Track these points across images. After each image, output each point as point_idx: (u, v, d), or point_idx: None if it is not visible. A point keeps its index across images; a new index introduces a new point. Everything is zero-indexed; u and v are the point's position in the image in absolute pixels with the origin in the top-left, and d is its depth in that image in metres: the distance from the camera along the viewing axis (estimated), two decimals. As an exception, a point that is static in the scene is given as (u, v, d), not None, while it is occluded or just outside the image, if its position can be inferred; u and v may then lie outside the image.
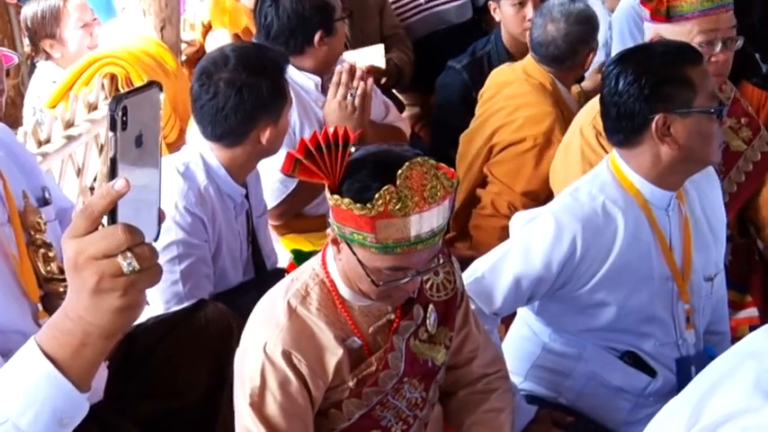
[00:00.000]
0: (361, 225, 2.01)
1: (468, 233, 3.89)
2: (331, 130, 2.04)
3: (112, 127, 1.17)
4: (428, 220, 2.02)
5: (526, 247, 2.60)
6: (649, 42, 3.05)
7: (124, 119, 1.17)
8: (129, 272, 1.19)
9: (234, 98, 2.85)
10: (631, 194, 2.60)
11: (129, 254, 1.18)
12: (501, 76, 3.98)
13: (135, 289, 1.21)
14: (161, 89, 1.24)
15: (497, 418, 2.42)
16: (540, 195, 3.73)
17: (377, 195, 1.95)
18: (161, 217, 1.26)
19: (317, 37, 3.58)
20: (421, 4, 4.96)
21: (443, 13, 4.90)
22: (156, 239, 1.24)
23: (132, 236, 1.19)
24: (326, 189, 2.05)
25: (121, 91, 3.61)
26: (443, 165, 2.05)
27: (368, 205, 1.96)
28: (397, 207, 1.97)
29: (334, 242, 2.14)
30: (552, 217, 2.58)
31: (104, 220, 1.20)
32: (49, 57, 4.13)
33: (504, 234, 3.54)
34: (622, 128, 2.59)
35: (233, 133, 2.89)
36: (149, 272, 1.21)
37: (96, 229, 1.20)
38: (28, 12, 4.15)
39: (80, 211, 1.21)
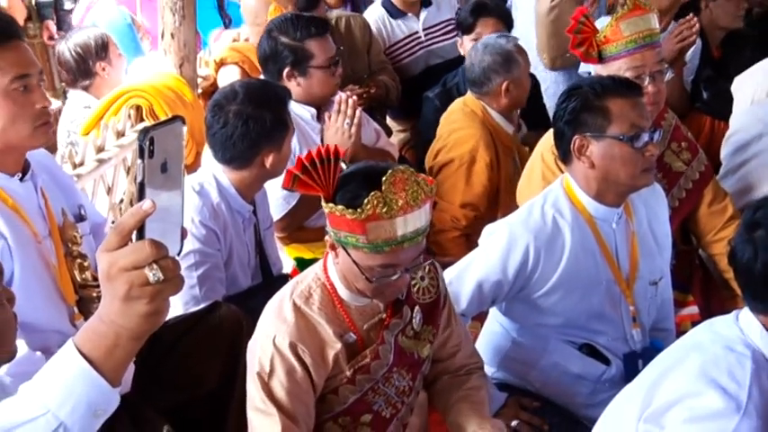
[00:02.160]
0: (354, 228, 2.03)
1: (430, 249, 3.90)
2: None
3: (141, 155, 1.18)
4: (412, 222, 2.05)
5: (486, 255, 2.63)
6: (593, 75, 3.10)
7: (151, 148, 1.18)
8: (155, 282, 1.19)
9: (241, 128, 2.86)
10: (578, 210, 2.63)
11: (155, 266, 1.19)
12: (450, 108, 4.01)
13: (160, 297, 1.22)
14: (184, 122, 1.25)
15: (478, 394, 2.44)
16: (479, 206, 3.74)
17: (365, 201, 1.98)
18: (183, 234, 1.27)
19: (285, 72, 3.58)
20: (422, 42, 4.97)
21: (440, 49, 4.92)
22: (179, 253, 1.25)
23: (158, 250, 1.19)
24: (322, 199, 2.07)
25: (145, 120, 3.65)
26: (422, 174, 2.09)
27: (358, 210, 1.99)
28: (384, 210, 1.99)
29: (332, 247, 2.16)
30: (508, 229, 2.62)
31: (134, 236, 1.21)
32: (90, 85, 4.14)
33: (454, 244, 3.65)
34: (558, 146, 2.69)
35: (240, 158, 2.90)
36: (173, 282, 1.21)
37: (126, 244, 1.20)
38: (77, 39, 4.17)
39: (112, 228, 1.22)
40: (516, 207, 3.65)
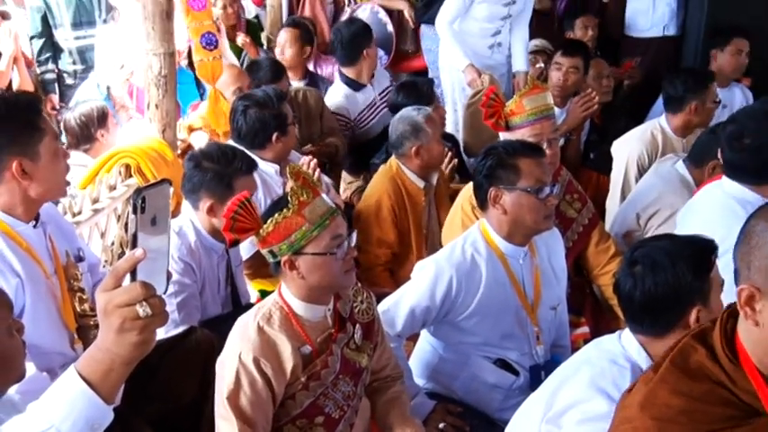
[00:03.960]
0: (296, 223, 2.10)
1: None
2: None
3: (134, 211, 1.19)
4: (328, 200, 2.17)
5: (417, 286, 2.64)
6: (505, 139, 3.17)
7: (143, 205, 1.19)
8: (145, 316, 1.20)
9: (192, 171, 2.91)
10: (492, 248, 2.66)
11: (144, 303, 1.20)
12: None
13: (148, 329, 1.23)
14: (170, 184, 1.26)
15: (401, 398, 2.47)
16: (392, 244, 3.72)
17: (289, 197, 2.08)
18: (169, 275, 1.28)
19: (273, 137, 3.59)
20: (378, 106, 4.95)
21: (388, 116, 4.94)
22: (165, 292, 1.26)
23: (147, 290, 1.21)
24: (258, 234, 2.13)
25: (133, 176, 3.62)
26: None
27: (289, 205, 2.08)
28: (305, 196, 2.09)
29: (291, 266, 2.17)
30: (435, 264, 2.64)
31: (128, 277, 1.21)
32: (90, 148, 4.12)
33: (381, 278, 3.65)
34: (476, 195, 2.73)
35: (187, 195, 2.95)
36: (159, 316, 1.22)
37: (121, 285, 1.21)
38: (82, 110, 4.14)
39: (109, 271, 1.23)
40: (430, 245, 3.71)
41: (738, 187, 2.74)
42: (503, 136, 3.18)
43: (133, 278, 1.21)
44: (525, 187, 2.57)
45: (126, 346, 1.22)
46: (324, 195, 2.18)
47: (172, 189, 1.26)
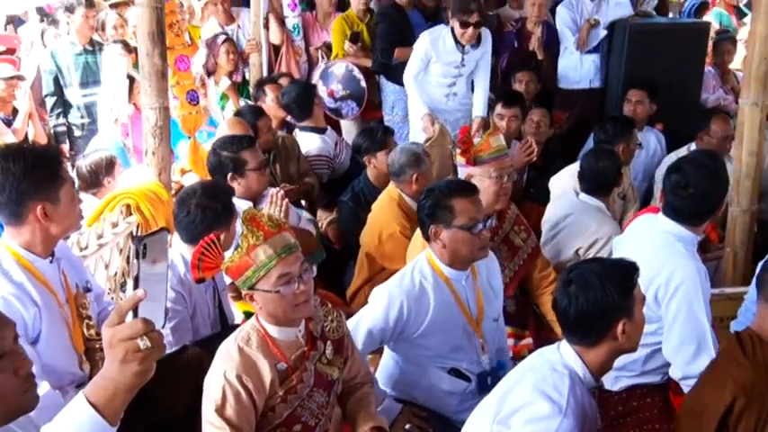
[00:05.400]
0: (246, 263, 2.10)
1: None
2: None
3: (137, 256, 1.23)
4: (280, 241, 2.13)
5: (373, 310, 2.65)
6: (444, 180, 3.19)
7: (144, 251, 1.22)
8: (145, 349, 1.22)
9: (200, 215, 2.88)
10: (438, 274, 2.68)
11: (145, 338, 1.22)
12: (378, 199, 4.02)
13: (148, 360, 1.25)
14: (169, 232, 1.28)
15: (368, 398, 2.47)
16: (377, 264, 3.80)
17: (240, 241, 2.08)
18: (167, 312, 1.30)
19: (229, 176, 3.60)
20: (341, 142, 5.03)
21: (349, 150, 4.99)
22: (163, 327, 1.28)
23: (147, 325, 1.23)
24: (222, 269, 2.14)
25: (133, 214, 3.59)
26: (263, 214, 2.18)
27: (239, 249, 2.09)
28: (254, 239, 2.08)
29: (251, 298, 2.18)
30: (387, 291, 2.65)
31: (130, 314, 1.23)
32: (97, 192, 4.11)
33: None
34: (422, 231, 2.74)
35: (200, 237, 2.86)
36: (158, 349, 1.25)
37: (124, 321, 1.23)
38: (93, 158, 4.14)
39: (114, 309, 1.26)
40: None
41: (675, 225, 2.69)
42: (468, 170, 3.17)
43: (135, 315, 1.23)
44: (460, 225, 2.59)
45: (128, 375, 1.24)
46: (284, 233, 2.15)
47: (170, 236, 1.28)
